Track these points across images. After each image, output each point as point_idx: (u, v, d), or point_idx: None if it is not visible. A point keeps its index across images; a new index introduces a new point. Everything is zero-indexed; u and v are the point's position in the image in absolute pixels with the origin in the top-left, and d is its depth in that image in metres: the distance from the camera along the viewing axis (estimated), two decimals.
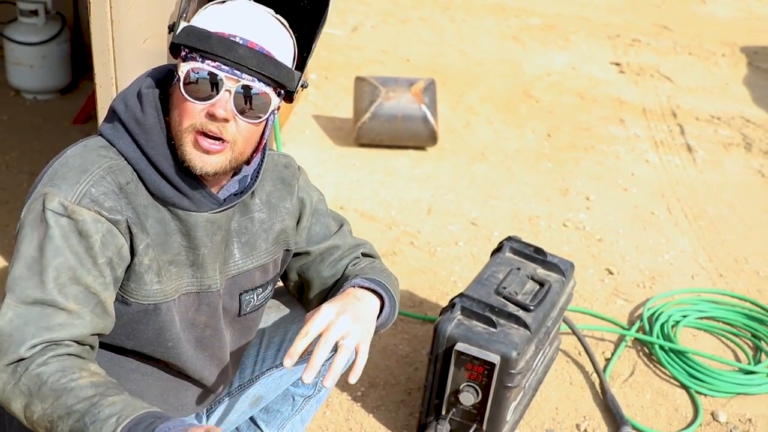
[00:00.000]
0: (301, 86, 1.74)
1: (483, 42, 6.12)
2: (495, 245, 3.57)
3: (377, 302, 1.85)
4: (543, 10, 6.82)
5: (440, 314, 2.51)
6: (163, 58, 2.43)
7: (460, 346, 2.40)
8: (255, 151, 1.75)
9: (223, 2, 1.68)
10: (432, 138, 4.44)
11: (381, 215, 3.87)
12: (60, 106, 4.54)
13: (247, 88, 1.63)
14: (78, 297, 1.57)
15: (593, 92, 5.42)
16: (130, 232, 1.65)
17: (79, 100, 4.48)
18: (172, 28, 1.69)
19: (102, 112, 2.47)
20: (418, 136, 4.43)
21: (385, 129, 4.38)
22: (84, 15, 4.70)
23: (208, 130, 1.63)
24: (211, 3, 1.69)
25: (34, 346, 1.52)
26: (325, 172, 4.19)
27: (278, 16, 1.70)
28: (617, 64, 5.90)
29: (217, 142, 1.64)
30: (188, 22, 1.67)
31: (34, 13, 4.40)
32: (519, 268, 2.68)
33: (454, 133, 4.72)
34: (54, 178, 1.62)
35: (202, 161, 1.64)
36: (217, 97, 1.62)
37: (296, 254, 2.00)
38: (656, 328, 3.16)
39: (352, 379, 1.69)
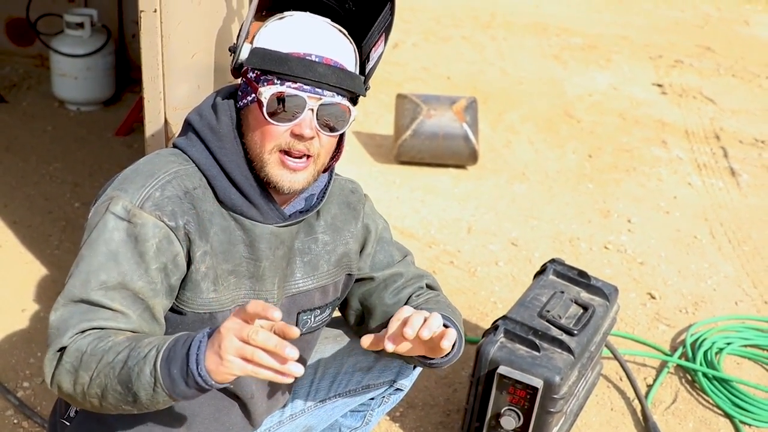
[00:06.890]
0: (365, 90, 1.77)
1: (524, 61, 6.10)
2: (535, 266, 3.55)
3: None
4: (584, 30, 6.79)
5: (483, 336, 2.49)
6: (211, 73, 2.44)
7: (502, 370, 2.37)
8: (333, 158, 1.79)
9: (282, 18, 1.68)
10: (473, 157, 4.41)
11: (421, 233, 3.85)
12: (103, 117, 4.57)
13: (328, 104, 1.65)
14: (124, 301, 1.58)
15: (635, 113, 5.37)
16: (189, 240, 1.65)
17: (121, 113, 4.52)
18: (233, 50, 1.69)
19: (150, 126, 2.47)
20: (458, 155, 4.41)
21: (425, 147, 4.37)
22: (129, 28, 4.75)
23: (295, 149, 1.65)
24: (270, 20, 1.69)
25: (75, 334, 1.54)
26: (365, 189, 4.14)
27: (336, 25, 1.71)
28: (659, 86, 5.84)
29: (301, 159, 1.67)
30: (251, 42, 1.67)
31: (80, 25, 4.45)
32: (563, 292, 2.65)
33: (494, 152, 4.70)
34: (123, 183, 1.65)
35: (290, 180, 1.67)
36: (301, 117, 1.64)
37: (360, 279, 1.99)
38: (699, 355, 3.10)
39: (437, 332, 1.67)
